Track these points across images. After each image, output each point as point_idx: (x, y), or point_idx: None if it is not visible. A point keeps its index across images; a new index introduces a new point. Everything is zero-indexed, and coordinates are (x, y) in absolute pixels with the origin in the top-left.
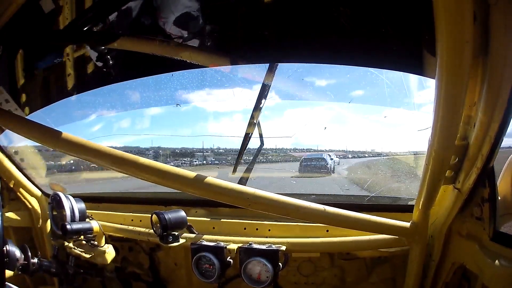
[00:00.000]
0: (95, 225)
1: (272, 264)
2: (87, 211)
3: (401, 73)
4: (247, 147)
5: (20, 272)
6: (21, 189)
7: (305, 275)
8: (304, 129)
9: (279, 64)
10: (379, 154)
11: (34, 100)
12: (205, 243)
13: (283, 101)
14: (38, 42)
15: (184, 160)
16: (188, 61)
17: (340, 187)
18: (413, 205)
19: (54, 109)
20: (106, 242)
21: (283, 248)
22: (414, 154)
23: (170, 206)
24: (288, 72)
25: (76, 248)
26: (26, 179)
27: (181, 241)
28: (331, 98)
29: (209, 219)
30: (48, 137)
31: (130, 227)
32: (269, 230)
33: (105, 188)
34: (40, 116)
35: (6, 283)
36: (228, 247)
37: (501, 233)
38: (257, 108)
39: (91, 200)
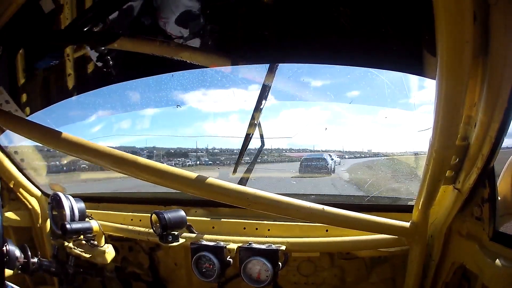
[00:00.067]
0: (94, 224)
1: (271, 263)
2: (86, 211)
3: (401, 73)
4: (247, 148)
5: (20, 272)
6: (21, 189)
7: (305, 275)
8: (305, 129)
9: (279, 64)
10: (379, 155)
11: (34, 101)
12: (205, 242)
13: (283, 101)
14: (38, 42)
15: (184, 160)
16: (188, 61)
17: (340, 187)
18: (413, 205)
19: (54, 109)
20: (106, 242)
21: (283, 247)
22: (414, 155)
23: (170, 206)
24: (289, 72)
25: (76, 248)
26: (26, 179)
27: (181, 240)
28: (332, 98)
29: (208, 219)
30: (49, 137)
31: (130, 227)
32: (269, 230)
33: (105, 188)
34: (40, 117)
35: (6, 282)
36: (227, 246)
37: (501, 233)
38: (257, 108)
39: (91, 200)
